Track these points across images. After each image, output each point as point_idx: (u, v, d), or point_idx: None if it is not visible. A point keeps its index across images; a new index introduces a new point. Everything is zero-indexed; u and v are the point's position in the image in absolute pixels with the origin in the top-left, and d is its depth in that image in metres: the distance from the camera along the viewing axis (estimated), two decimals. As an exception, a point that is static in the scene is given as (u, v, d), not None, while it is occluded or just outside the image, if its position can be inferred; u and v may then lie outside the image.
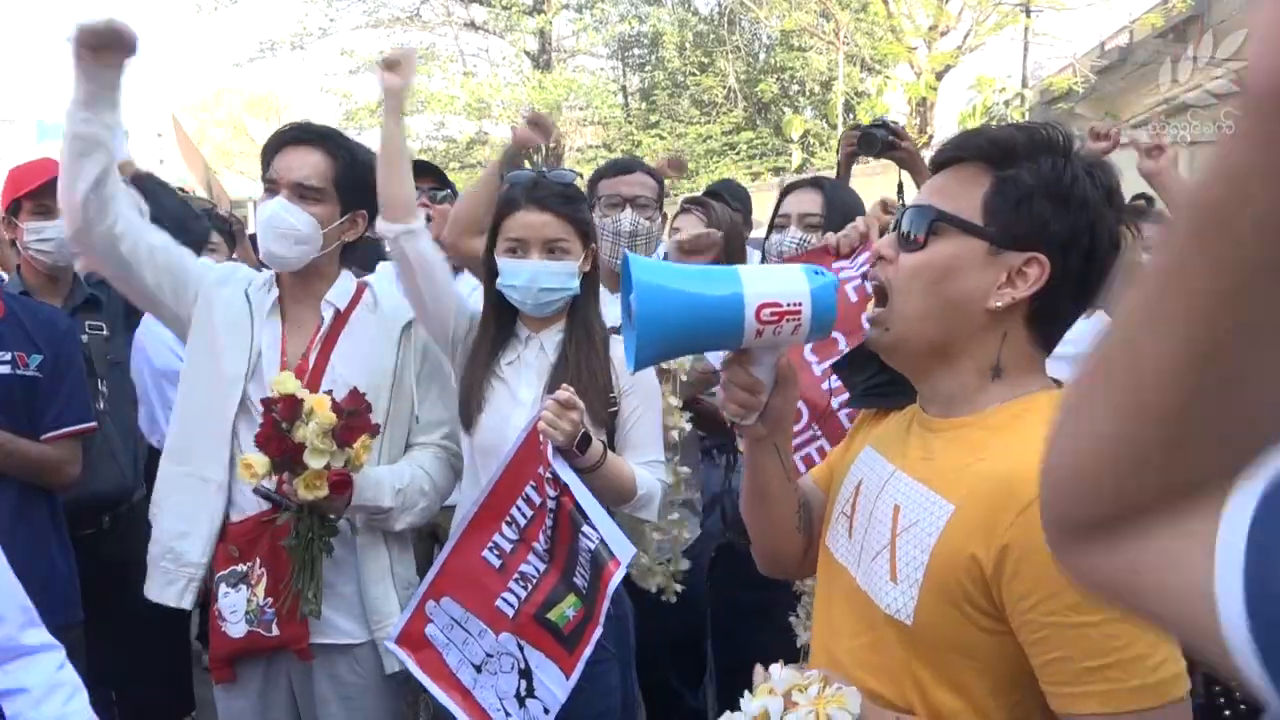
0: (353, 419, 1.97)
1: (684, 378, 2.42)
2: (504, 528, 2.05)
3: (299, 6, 22.71)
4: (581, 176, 2.56)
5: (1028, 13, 17.38)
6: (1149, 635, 1.05)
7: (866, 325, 1.29)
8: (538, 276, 2.09)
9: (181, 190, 4.66)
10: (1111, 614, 1.04)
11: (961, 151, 1.24)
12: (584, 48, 21.68)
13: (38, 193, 2.78)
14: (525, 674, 2.00)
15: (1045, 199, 1.17)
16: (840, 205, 2.42)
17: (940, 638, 1.16)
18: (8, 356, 2.29)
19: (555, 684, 1.96)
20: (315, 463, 1.93)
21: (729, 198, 3.82)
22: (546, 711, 1.97)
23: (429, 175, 3.87)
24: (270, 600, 2.10)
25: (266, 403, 1.97)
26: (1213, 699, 1.52)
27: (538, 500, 2.00)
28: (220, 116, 36.73)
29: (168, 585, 2.18)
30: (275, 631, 2.11)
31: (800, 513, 1.46)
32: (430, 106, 19.85)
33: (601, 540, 1.88)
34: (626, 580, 2.30)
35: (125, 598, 2.91)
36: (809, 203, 2.43)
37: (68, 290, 2.91)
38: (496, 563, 2.06)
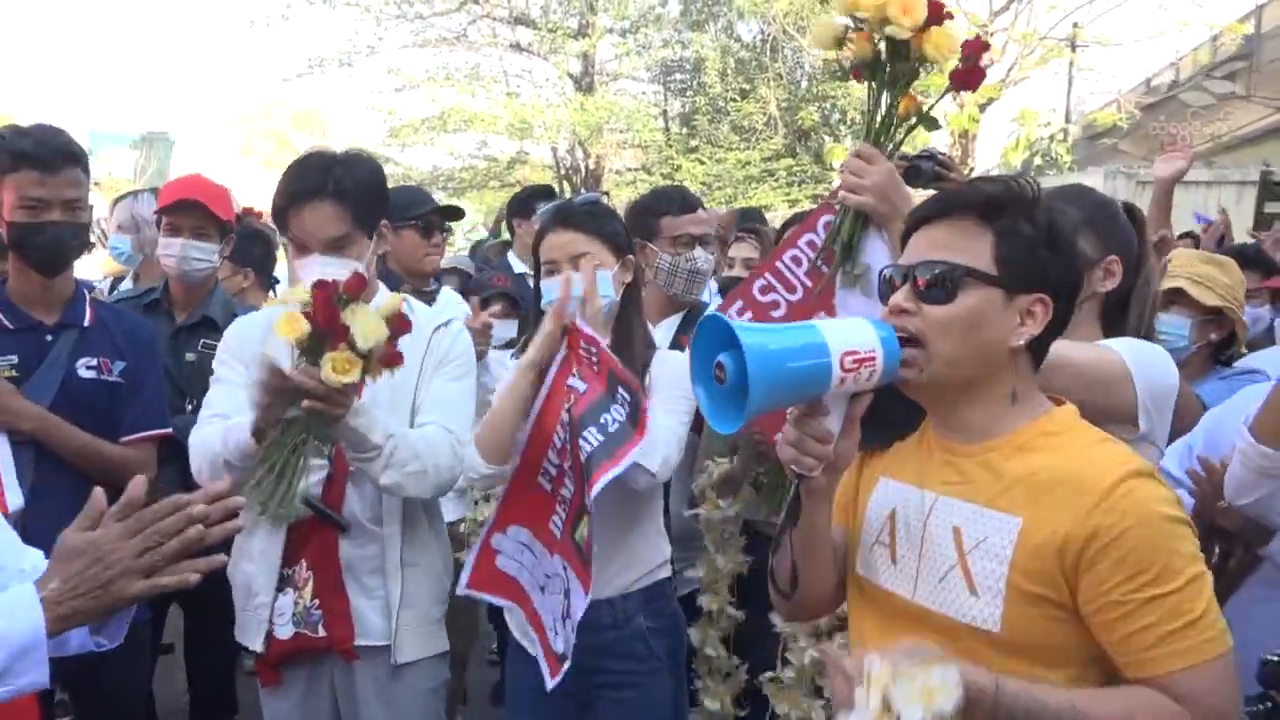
0: (399, 332, 1.96)
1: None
2: (549, 452, 2.12)
3: (348, 25, 23.12)
4: (608, 195, 2.62)
5: (1073, 47, 17.29)
6: (1206, 594, 1.28)
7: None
8: (570, 287, 2.15)
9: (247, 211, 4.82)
10: (1180, 584, 1.26)
11: (951, 207, 1.40)
12: (626, 71, 21.83)
13: (167, 210, 3.00)
14: (566, 594, 2.06)
15: (1044, 248, 1.38)
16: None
17: (1024, 638, 1.32)
18: (94, 362, 2.40)
19: (580, 603, 1.99)
20: (362, 343, 1.90)
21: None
22: (572, 631, 2.01)
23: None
24: (316, 602, 2.16)
25: (323, 282, 1.93)
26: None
27: (569, 421, 2.06)
28: (267, 129, 37.40)
29: (256, 631, 2.24)
30: (322, 632, 2.18)
31: (835, 555, 1.54)
32: (473, 125, 20.06)
33: (603, 441, 1.92)
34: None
35: (177, 604, 2.97)
36: None
37: (193, 305, 3.07)
38: (548, 486, 2.13)
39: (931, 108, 2.09)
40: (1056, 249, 1.39)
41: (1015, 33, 17.69)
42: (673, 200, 2.98)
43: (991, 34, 17.73)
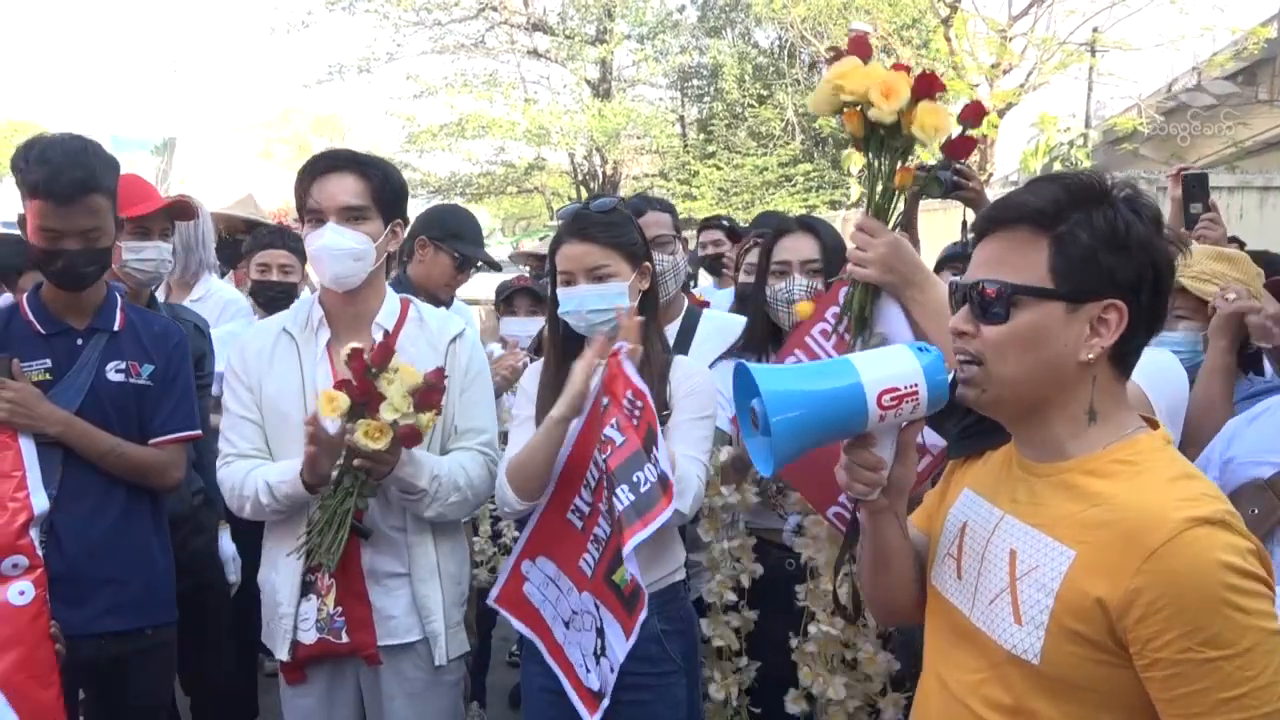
0: (432, 389, 2.07)
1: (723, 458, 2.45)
2: (582, 490, 2.13)
3: (367, 31, 23.28)
4: (624, 200, 2.63)
5: (1093, 52, 17.20)
6: (1275, 660, 1.14)
7: (960, 389, 1.35)
8: (585, 300, 2.20)
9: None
10: (1241, 648, 1.13)
11: (1005, 217, 1.32)
12: (644, 78, 21.90)
13: (139, 215, 2.91)
14: (600, 633, 2.07)
15: (1107, 251, 1.25)
16: (834, 247, 2.50)
17: (1066, 675, 1.24)
18: (122, 365, 2.42)
19: (618, 644, 2.02)
20: (387, 415, 2.02)
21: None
22: (612, 670, 2.03)
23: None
24: (340, 609, 2.20)
25: (356, 351, 2.06)
26: None
27: (603, 463, 2.07)
28: (286, 135, 37.71)
29: (282, 640, 2.27)
30: (345, 639, 2.22)
31: (915, 564, 1.53)
32: (491, 132, 20.17)
33: (633, 501, 1.93)
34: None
35: (196, 604, 2.98)
36: (807, 249, 2.53)
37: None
38: (579, 524, 2.14)
39: (932, 171, 2.09)
40: (1123, 248, 1.25)
41: (1034, 37, 17.63)
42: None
43: (1010, 39, 17.69)
